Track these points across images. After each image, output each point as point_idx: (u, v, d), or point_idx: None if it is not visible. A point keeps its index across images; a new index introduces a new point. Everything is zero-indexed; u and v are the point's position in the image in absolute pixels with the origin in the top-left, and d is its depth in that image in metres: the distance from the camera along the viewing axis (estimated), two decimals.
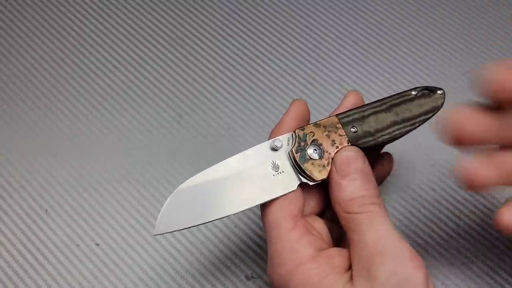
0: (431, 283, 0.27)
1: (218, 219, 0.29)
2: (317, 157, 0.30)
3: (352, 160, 0.29)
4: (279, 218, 0.29)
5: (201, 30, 0.50)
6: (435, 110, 0.33)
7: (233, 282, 0.38)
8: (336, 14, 0.51)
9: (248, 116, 0.46)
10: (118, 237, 0.40)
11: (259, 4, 0.52)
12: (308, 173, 0.30)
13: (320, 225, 0.31)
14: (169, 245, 0.40)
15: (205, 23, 0.51)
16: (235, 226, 0.41)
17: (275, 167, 0.30)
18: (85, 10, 0.51)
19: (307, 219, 0.30)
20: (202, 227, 0.40)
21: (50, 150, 0.44)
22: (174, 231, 0.30)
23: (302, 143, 0.30)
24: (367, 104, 0.33)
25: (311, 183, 0.30)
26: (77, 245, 0.40)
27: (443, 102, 0.33)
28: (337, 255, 0.29)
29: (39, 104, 0.46)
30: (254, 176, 0.30)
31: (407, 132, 0.32)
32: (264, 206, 0.30)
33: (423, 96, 0.33)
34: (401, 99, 0.32)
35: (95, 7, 0.52)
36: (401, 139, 0.33)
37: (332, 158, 0.30)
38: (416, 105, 0.32)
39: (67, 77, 0.48)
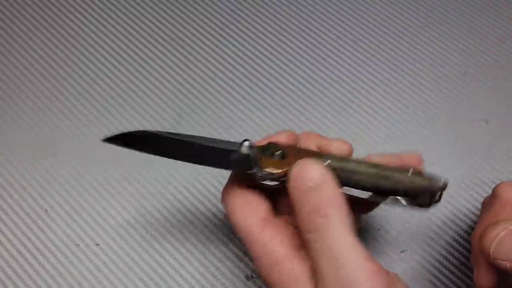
0: None
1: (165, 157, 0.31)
2: (278, 159, 0.30)
3: (305, 170, 0.28)
4: (249, 224, 0.29)
5: (201, 30, 0.50)
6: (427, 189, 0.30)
7: (233, 282, 0.38)
8: (336, 14, 0.51)
9: (248, 116, 0.46)
10: (118, 237, 0.40)
11: (259, 4, 0.52)
12: (264, 166, 0.30)
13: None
14: (169, 245, 0.40)
15: (205, 23, 0.51)
16: None
17: (236, 152, 0.30)
18: (85, 10, 0.51)
19: (280, 218, 0.30)
20: (201, 227, 0.40)
21: (50, 150, 0.44)
22: (121, 145, 0.33)
23: (271, 148, 0.31)
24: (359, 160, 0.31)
25: (259, 174, 0.30)
26: (77, 245, 0.40)
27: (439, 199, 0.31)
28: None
29: (39, 104, 0.46)
30: (212, 149, 0.31)
31: (387, 187, 0.30)
32: (231, 218, 0.30)
33: (420, 176, 0.31)
34: (396, 169, 0.31)
35: (95, 7, 0.52)
36: None
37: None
38: (408, 179, 0.30)
39: (67, 77, 0.48)
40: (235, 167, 0.31)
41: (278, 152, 0.31)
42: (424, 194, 0.30)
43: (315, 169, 0.28)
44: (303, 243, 0.28)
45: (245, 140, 0.31)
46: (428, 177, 0.30)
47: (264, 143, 0.31)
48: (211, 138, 0.33)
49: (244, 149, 0.31)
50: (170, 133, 0.32)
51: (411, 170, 0.30)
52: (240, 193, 0.30)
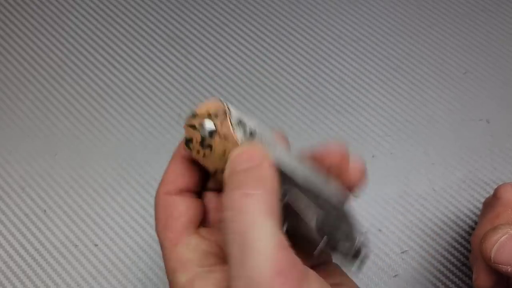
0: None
1: None
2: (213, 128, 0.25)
3: (245, 155, 0.24)
4: (163, 236, 0.26)
5: (201, 30, 0.50)
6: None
7: None
8: (336, 14, 0.51)
9: (248, 115, 0.45)
10: (117, 238, 0.40)
11: (259, 4, 0.52)
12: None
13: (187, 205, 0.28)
14: None
15: (205, 23, 0.51)
16: None
17: None
18: (85, 10, 0.51)
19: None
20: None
21: (49, 151, 0.44)
22: None
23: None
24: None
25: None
26: (76, 246, 0.40)
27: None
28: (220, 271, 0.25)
29: (39, 104, 0.46)
30: None
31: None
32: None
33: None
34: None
35: (95, 7, 0.51)
36: None
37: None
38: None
39: (67, 77, 0.47)
40: None
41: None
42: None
43: (257, 150, 0.24)
44: (221, 223, 0.24)
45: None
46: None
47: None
48: None
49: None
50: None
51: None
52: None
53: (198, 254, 0.26)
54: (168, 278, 0.26)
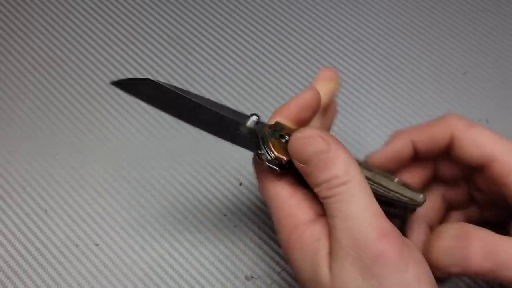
0: (415, 263, 0.26)
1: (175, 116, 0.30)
2: (283, 140, 0.29)
3: (307, 143, 0.27)
4: (278, 188, 0.29)
5: (201, 30, 0.50)
6: (411, 201, 0.31)
7: (232, 283, 0.38)
8: (336, 14, 0.51)
9: None
10: (118, 238, 0.40)
11: (259, 4, 0.52)
12: (269, 146, 0.29)
13: None
14: (169, 245, 0.40)
15: (205, 23, 0.51)
16: (234, 226, 0.40)
17: (245, 128, 0.30)
18: (85, 10, 0.51)
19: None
20: (201, 228, 0.40)
21: (50, 151, 0.44)
22: (130, 94, 0.30)
23: (278, 127, 0.30)
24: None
25: (268, 157, 0.29)
26: (77, 246, 0.40)
27: (420, 204, 0.31)
28: None
29: (39, 104, 0.46)
30: (224, 119, 0.30)
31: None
32: (261, 180, 0.30)
33: (408, 187, 0.31)
34: (388, 176, 0.31)
35: (95, 7, 0.52)
36: None
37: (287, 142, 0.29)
38: (395, 185, 0.31)
39: (67, 77, 0.48)
40: (242, 143, 0.30)
41: (285, 135, 0.29)
42: (401, 206, 0.31)
43: (316, 136, 0.27)
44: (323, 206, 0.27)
45: (253, 114, 0.30)
46: (412, 190, 0.31)
47: (273, 121, 0.30)
48: (223, 106, 0.31)
49: (250, 123, 0.30)
50: (182, 90, 0.30)
51: (396, 180, 0.31)
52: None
53: None
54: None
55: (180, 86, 0.47)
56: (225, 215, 0.41)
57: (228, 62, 0.49)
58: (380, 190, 0.30)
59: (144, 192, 0.42)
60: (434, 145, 0.32)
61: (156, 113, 0.46)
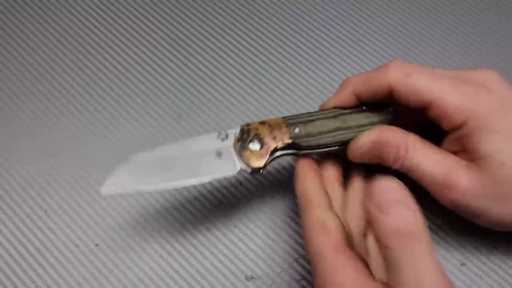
0: None
1: (162, 189, 0.34)
2: (257, 148, 0.33)
3: (391, 190, 0.26)
4: (321, 248, 0.29)
5: (201, 30, 0.50)
6: (382, 123, 0.35)
7: (232, 283, 0.38)
8: (337, 14, 0.51)
9: (248, 116, 0.46)
10: (118, 238, 0.40)
11: (260, 4, 0.52)
12: (246, 160, 0.33)
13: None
14: (169, 245, 0.40)
15: (206, 23, 0.51)
16: (234, 226, 0.40)
17: (218, 154, 0.34)
18: (86, 10, 0.51)
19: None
20: (201, 228, 0.40)
21: (50, 151, 0.44)
22: (121, 192, 0.36)
23: (245, 136, 0.34)
24: (317, 111, 0.35)
25: (249, 170, 0.33)
26: (77, 246, 0.40)
27: (393, 118, 0.35)
28: None
29: (39, 104, 0.46)
30: (199, 158, 0.34)
31: (351, 138, 0.34)
32: (306, 237, 0.31)
33: (372, 109, 0.35)
34: (351, 110, 0.35)
35: (95, 7, 0.52)
36: None
37: (368, 188, 0.29)
38: (364, 116, 0.35)
39: (67, 77, 0.48)
40: (222, 171, 0.33)
41: (254, 139, 0.33)
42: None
43: (397, 189, 0.26)
44: (380, 248, 0.27)
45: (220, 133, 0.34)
46: (379, 110, 0.35)
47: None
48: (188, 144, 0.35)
49: (218, 144, 0.34)
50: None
51: (363, 107, 0.35)
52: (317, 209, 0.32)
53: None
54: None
55: (180, 87, 0.47)
56: (225, 215, 0.41)
57: (228, 62, 0.49)
58: (352, 134, 0.34)
59: (144, 192, 0.42)
60: (375, 96, 0.34)
61: (156, 113, 0.46)
